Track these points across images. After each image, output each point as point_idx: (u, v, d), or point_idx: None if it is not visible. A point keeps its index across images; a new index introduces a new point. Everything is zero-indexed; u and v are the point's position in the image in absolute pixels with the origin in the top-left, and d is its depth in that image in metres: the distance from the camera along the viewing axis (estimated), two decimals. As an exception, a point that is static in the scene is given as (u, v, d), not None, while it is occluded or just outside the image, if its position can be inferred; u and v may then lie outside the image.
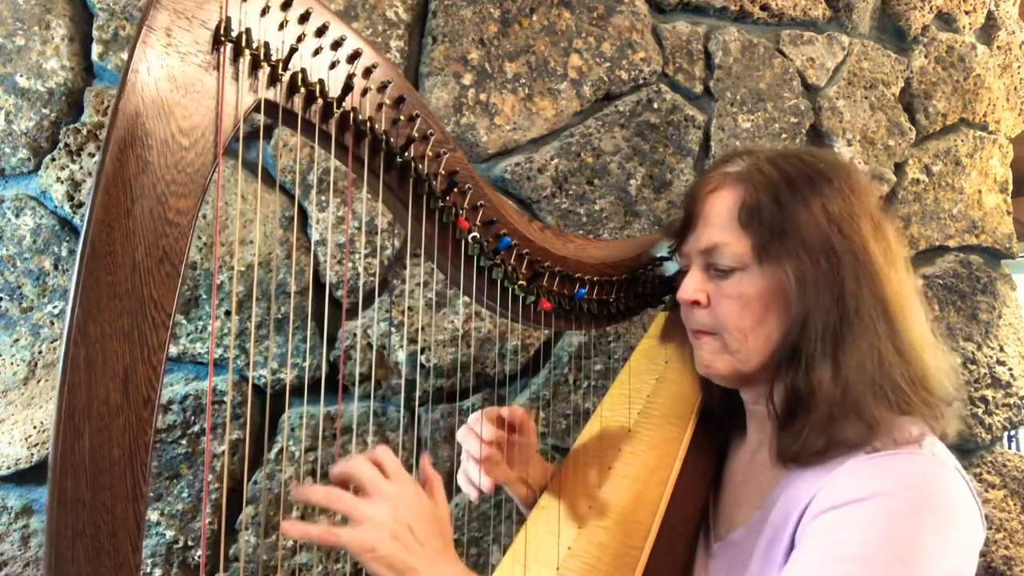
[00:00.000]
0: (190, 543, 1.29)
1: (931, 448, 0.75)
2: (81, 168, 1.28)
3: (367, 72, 0.79)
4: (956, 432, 0.80)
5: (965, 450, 1.87)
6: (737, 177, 0.85)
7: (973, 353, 1.89)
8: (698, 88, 1.66)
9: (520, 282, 0.94)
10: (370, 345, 1.40)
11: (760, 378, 0.84)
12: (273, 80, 0.73)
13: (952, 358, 0.84)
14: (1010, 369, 1.92)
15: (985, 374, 1.89)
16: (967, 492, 0.73)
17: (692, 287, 0.86)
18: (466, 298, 0.97)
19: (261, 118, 0.76)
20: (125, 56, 1.30)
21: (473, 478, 0.97)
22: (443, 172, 0.86)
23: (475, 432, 0.97)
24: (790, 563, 0.72)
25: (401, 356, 1.40)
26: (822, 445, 0.76)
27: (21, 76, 1.26)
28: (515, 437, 1.02)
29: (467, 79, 1.47)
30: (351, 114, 0.78)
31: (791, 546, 0.75)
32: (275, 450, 1.35)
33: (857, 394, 0.76)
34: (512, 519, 1.12)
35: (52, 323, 1.27)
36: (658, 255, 1.06)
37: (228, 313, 1.33)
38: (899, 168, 1.87)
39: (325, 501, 0.70)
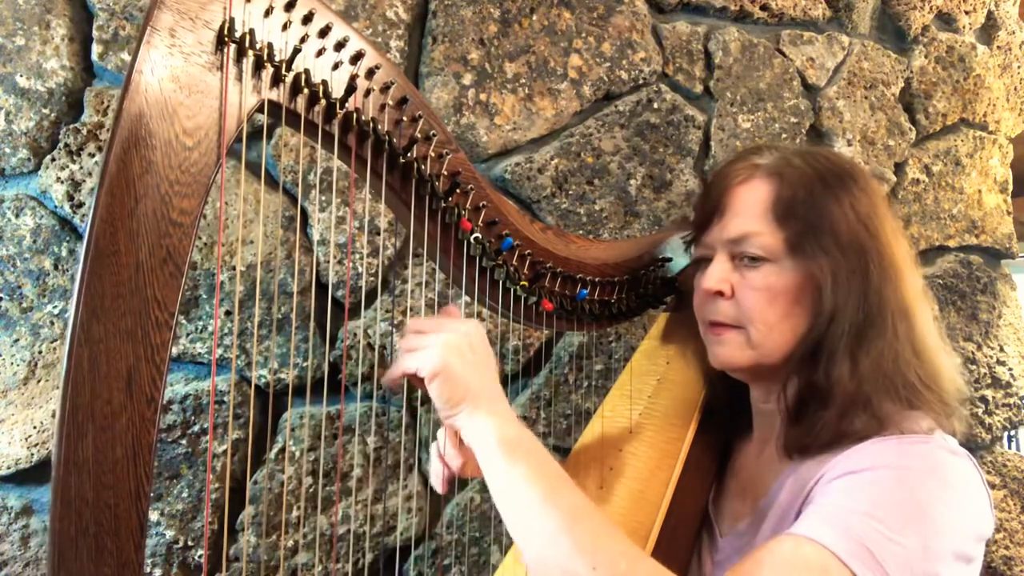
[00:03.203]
0: (190, 543, 1.29)
1: (941, 439, 0.77)
2: (81, 168, 1.27)
3: (370, 73, 0.79)
4: (961, 433, 0.80)
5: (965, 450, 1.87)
6: (768, 170, 0.85)
7: (973, 353, 1.89)
8: (698, 88, 1.67)
9: (522, 283, 0.94)
10: (371, 345, 1.40)
11: (776, 373, 0.84)
12: (276, 81, 0.73)
13: (955, 359, 0.84)
14: (1010, 369, 1.92)
15: (985, 374, 1.90)
16: (978, 480, 0.74)
17: (716, 276, 0.85)
18: (467, 298, 0.97)
19: (264, 118, 0.75)
20: (125, 56, 1.30)
21: (436, 472, 0.95)
22: (446, 173, 0.87)
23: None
24: (803, 516, 0.72)
25: (402, 356, 1.40)
26: (832, 437, 0.77)
27: (21, 76, 1.26)
28: None
29: (467, 79, 1.47)
30: (354, 115, 0.78)
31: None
32: (276, 450, 1.34)
33: (869, 390, 0.77)
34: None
35: (52, 323, 1.27)
36: (660, 256, 1.07)
37: (229, 313, 1.33)
38: (899, 168, 1.87)
39: (406, 336, 0.77)
